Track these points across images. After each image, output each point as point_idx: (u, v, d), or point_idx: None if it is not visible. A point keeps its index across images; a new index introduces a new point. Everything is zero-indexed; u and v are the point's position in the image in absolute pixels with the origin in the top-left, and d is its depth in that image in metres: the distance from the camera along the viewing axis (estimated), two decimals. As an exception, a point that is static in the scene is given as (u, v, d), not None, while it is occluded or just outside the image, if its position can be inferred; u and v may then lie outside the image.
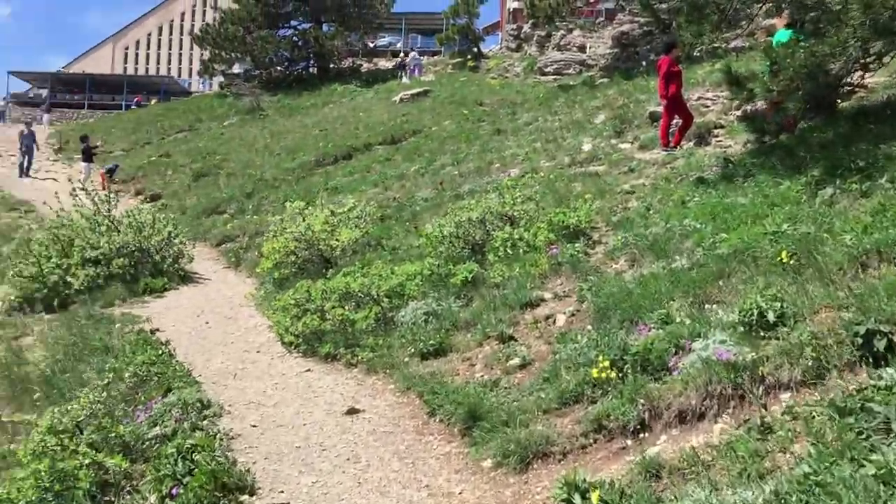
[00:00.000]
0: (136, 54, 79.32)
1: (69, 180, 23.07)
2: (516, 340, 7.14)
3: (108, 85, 57.12)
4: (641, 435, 4.76)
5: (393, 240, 11.98)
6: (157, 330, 9.38)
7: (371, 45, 44.20)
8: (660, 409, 4.77)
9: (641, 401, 4.87)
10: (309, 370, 7.81)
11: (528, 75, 27.24)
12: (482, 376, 6.56)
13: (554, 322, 7.30)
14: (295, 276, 11.16)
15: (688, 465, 3.99)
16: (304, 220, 11.54)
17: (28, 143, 27.26)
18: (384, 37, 45.90)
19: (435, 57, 39.19)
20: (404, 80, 32.85)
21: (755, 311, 5.04)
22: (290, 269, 11.36)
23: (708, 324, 5.39)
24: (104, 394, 5.90)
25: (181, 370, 7.23)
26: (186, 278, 13.03)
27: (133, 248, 12.70)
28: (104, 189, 25.77)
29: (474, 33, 33.11)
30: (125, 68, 73.90)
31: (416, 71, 33.66)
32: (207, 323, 9.96)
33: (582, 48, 26.89)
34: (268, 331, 9.37)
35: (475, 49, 33.14)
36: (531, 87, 24.60)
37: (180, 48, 78.11)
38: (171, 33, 79.87)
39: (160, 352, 7.77)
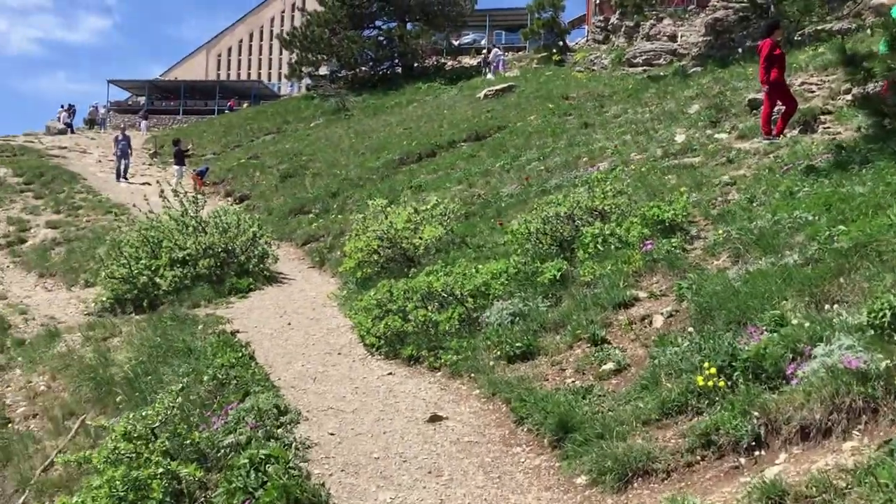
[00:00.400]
0: (229, 60, 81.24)
1: (160, 183, 23.68)
2: (609, 343, 6.65)
3: (202, 91, 58.57)
4: (757, 453, 4.23)
5: (477, 237, 11.60)
6: (239, 331, 9.24)
7: (455, 43, 43.95)
8: (778, 424, 4.22)
9: (756, 413, 4.33)
10: (391, 373, 7.49)
11: (615, 67, 26.42)
12: (573, 382, 6.10)
13: (650, 323, 6.78)
14: (378, 276, 10.91)
15: (818, 492, 3.45)
16: (386, 218, 11.27)
17: (123, 148, 27.61)
18: (468, 34, 45.52)
19: (520, 52, 38.64)
20: (488, 76, 32.45)
21: (887, 312, 4.42)
22: (373, 268, 11.11)
23: (830, 326, 4.79)
24: (178, 399, 5.68)
25: (260, 374, 7.02)
26: (271, 278, 12.95)
27: (219, 249, 12.70)
28: (197, 191, 26.42)
29: (559, 26, 32.41)
30: (218, 74, 75.75)
31: (500, 67, 33.19)
32: (290, 324, 9.78)
33: (672, 37, 25.92)
34: (350, 332, 9.10)
35: (560, 43, 32.45)
36: (619, 79, 23.81)
37: (270, 53, 79.62)
38: (261, 39, 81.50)
39: (240, 354, 7.59)
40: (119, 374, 8.28)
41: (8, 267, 16.62)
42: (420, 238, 10.91)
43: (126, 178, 27.38)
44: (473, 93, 28.88)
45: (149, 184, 25.95)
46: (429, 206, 11.71)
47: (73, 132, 43.98)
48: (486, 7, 46.94)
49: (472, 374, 6.97)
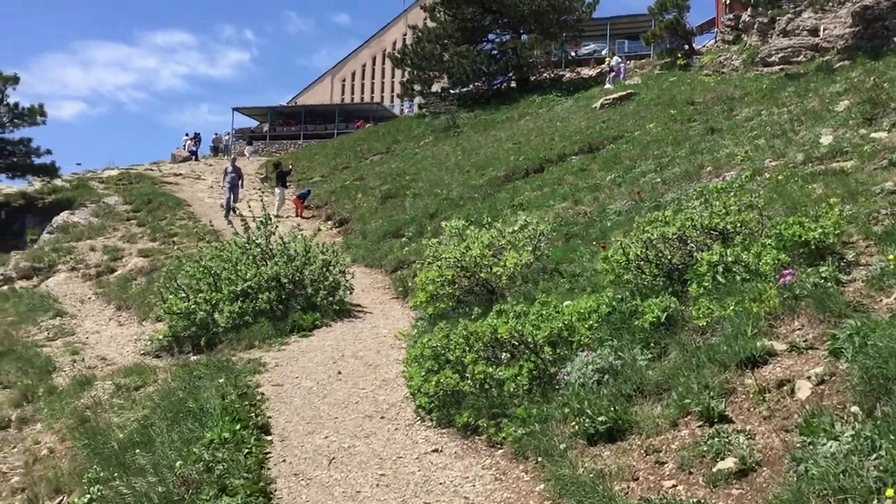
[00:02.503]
0: (352, 85, 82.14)
1: (265, 208, 22.88)
2: (731, 422, 4.66)
3: (322, 115, 58.89)
4: None
5: (575, 264, 9.69)
6: (274, 384, 7.72)
7: (573, 53, 41.86)
8: None
9: None
10: (437, 450, 5.74)
11: (747, 68, 23.72)
12: (673, 488, 4.16)
13: (791, 392, 4.72)
14: (454, 311, 9.20)
15: None
16: (463, 242, 9.55)
17: (232, 179, 25.30)
18: (588, 44, 43.29)
19: (642, 60, 36.16)
20: (607, 85, 30.27)
21: None
22: (447, 302, 9.40)
23: None
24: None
25: (254, 458, 5.41)
26: (342, 312, 11.43)
27: (285, 280, 11.32)
28: (298, 214, 25.53)
29: (684, 28, 29.80)
30: (342, 98, 76.60)
31: (620, 75, 30.93)
32: (340, 373, 8.18)
33: (814, 31, 22.98)
34: (406, 385, 7.40)
35: (686, 46, 29.85)
36: (752, 80, 21.20)
37: (392, 76, 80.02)
38: (383, 63, 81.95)
39: (248, 424, 6.02)
40: (123, 440, 6.91)
41: (90, 298, 15.97)
42: (503, 266, 9.11)
43: (235, 211, 25.65)
44: (589, 103, 26.83)
45: (250, 209, 25.22)
46: (516, 228, 9.90)
47: (196, 159, 44.70)
48: (606, 15, 44.42)
49: (540, 458, 5.12)
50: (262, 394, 7.34)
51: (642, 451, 4.68)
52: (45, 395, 9.59)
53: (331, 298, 11.40)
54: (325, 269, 11.78)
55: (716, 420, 4.69)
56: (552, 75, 37.55)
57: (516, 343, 6.41)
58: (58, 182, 31.48)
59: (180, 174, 34.28)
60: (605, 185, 14.31)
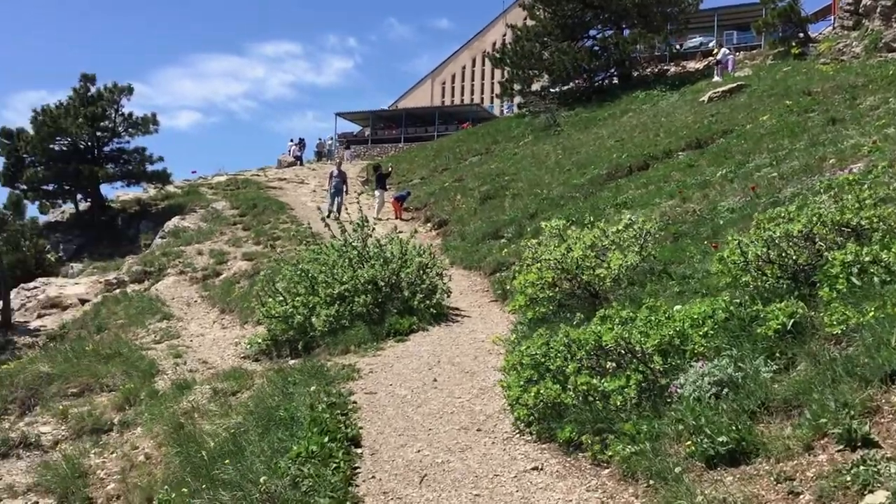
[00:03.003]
0: (452, 87, 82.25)
1: (361, 210, 22.86)
2: (877, 446, 4.04)
3: (422, 118, 59.11)
4: None
5: (685, 264, 9.05)
6: (368, 392, 7.43)
7: (679, 47, 40.41)
8: None
9: None
10: (536, 468, 5.29)
11: (870, 54, 22.19)
12: (812, 525, 3.58)
13: (951, 413, 4.06)
14: (555, 315, 8.71)
15: None
16: (564, 243, 9.04)
17: (337, 185, 24.83)
18: (694, 37, 41.68)
19: (753, 51, 34.52)
20: (715, 78, 28.98)
21: None
22: (548, 306, 8.91)
23: None
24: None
25: (342, 473, 5.08)
26: (440, 316, 11.09)
27: (381, 284, 11.07)
28: (397, 217, 25.41)
29: (799, 15, 28.20)
30: (442, 101, 76.77)
31: (729, 66, 29.57)
32: (435, 381, 7.81)
33: (946, 11, 21.30)
34: (504, 395, 6.97)
35: (800, 34, 28.25)
36: (875, 66, 19.76)
37: (492, 77, 79.66)
38: (483, 64, 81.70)
39: (337, 435, 5.72)
40: (214, 448, 6.75)
41: (195, 301, 16.22)
42: (607, 267, 8.56)
43: (335, 215, 24.79)
44: (696, 97, 25.73)
45: (347, 213, 25.29)
46: (619, 227, 9.32)
47: (301, 164, 45.48)
48: (713, 5, 42.67)
49: (652, 480, 4.61)
50: (355, 402, 7.05)
51: (772, 479, 4.10)
52: (147, 399, 9.63)
53: (427, 302, 11.08)
54: (421, 272, 11.47)
55: (859, 444, 4.08)
56: (656, 70, 36.40)
57: (622, 351, 5.88)
58: (170, 188, 32.55)
59: (284, 178, 34.88)
60: (715, 182, 13.50)
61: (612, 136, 23.74)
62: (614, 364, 5.94)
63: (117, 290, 18.55)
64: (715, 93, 24.12)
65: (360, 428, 6.30)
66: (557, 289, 8.84)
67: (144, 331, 14.13)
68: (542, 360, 6.30)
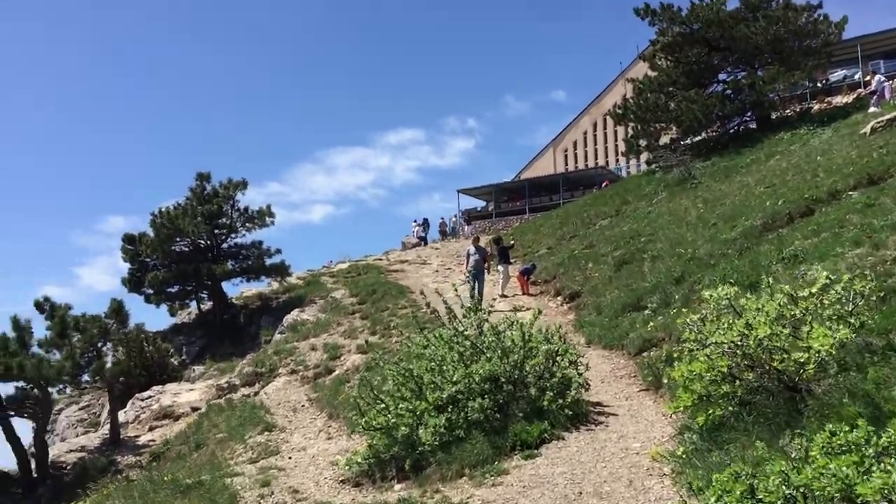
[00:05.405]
0: (575, 154, 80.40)
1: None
2: None
3: (546, 186, 57.26)
4: None
5: (916, 336, 6.48)
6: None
7: (821, 82, 36.90)
8: None
9: None
10: None
11: None
12: None
13: None
14: (737, 419, 6.31)
15: None
16: (739, 317, 6.64)
17: (476, 263, 21.47)
18: (836, 71, 38.05)
19: (908, 77, 30.82)
20: (871, 109, 25.67)
21: None
22: (726, 405, 6.50)
23: None
24: None
25: None
26: (577, 417, 8.79)
27: (502, 381, 8.92)
28: (525, 292, 23.24)
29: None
30: (565, 168, 74.86)
31: (886, 94, 26.19)
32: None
33: None
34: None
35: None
36: None
37: (615, 138, 77.29)
38: (604, 127, 79.60)
39: None
40: None
41: (303, 406, 14.50)
42: (807, 349, 6.11)
43: (480, 303, 19.67)
44: (854, 130, 22.61)
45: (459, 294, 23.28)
46: (814, 288, 6.83)
47: (425, 244, 44.41)
48: (855, 35, 38.86)
49: None
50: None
51: None
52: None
53: (560, 401, 8.80)
54: (550, 362, 9.24)
55: None
56: (799, 109, 33.10)
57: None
58: (292, 280, 31.74)
59: (406, 261, 33.53)
60: (915, 221, 10.73)
61: (761, 183, 20.91)
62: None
63: (221, 399, 17.18)
64: (878, 123, 20.96)
65: None
66: (737, 382, 6.43)
67: (242, 446, 12.46)
68: (748, 498, 3.96)
